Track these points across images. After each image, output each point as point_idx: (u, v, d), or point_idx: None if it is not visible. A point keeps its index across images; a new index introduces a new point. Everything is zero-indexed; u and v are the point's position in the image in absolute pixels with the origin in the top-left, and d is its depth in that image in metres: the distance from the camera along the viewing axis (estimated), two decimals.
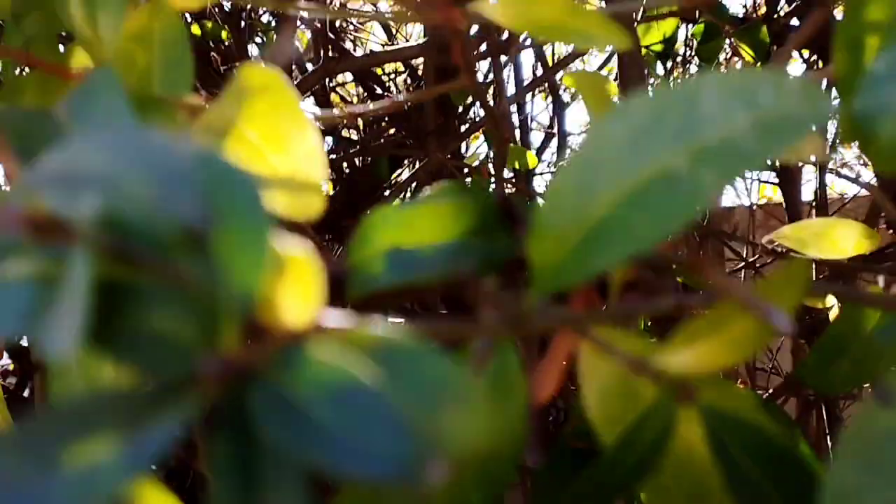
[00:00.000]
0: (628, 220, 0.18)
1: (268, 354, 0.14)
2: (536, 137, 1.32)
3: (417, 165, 0.74)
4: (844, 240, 0.46)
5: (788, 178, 1.05)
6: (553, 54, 1.06)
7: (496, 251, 0.23)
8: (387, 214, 0.22)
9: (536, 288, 0.19)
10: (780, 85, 0.17)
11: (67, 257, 0.14)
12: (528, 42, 0.78)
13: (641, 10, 0.63)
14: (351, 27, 1.15)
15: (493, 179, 0.63)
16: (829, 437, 0.99)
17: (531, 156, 0.68)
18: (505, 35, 0.71)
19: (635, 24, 0.56)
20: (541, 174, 0.97)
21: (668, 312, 0.23)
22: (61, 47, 0.33)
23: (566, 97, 1.12)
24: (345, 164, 0.95)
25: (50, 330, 0.13)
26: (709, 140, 0.17)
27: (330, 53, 0.86)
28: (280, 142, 0.22)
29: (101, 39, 0.26)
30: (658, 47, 0.70)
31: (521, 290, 0.22)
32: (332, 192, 0.88)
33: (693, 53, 0.98)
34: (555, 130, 1.20)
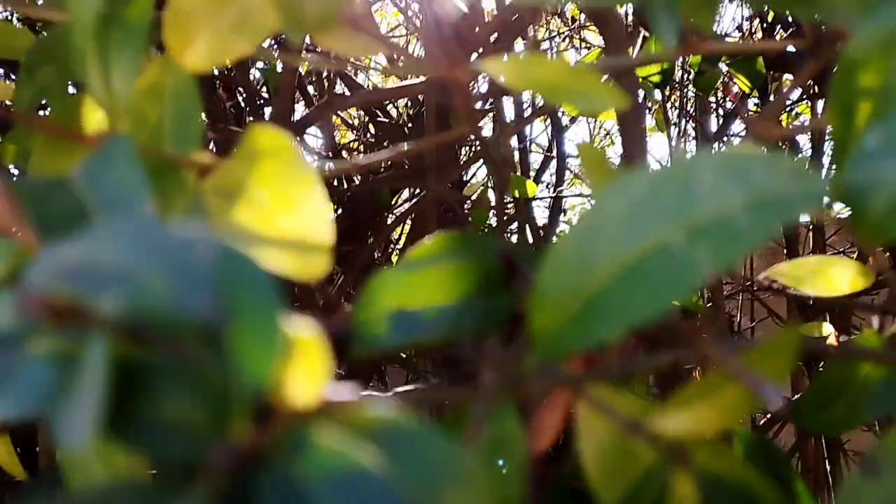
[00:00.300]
0: (625, 293, 0.18)
1: (275, 438, 0.14)
2: (535, 158, 1.33)
3: (418, 193, 0.75)
4: (839, 277, 0.47)
5: None
6: None
7: (498, 311, 0.23)
8: (391, 277, 0.22)
9: (535, 353, 0.20)
10: (773, 165, 0.18)
11: (85, 339, 0.14)
12: None
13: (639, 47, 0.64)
14: None
15: (492, 211, 0.64)
16: (827, 461, 1.00)
17: (531, 184, 0.69)
18: None
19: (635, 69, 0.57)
20: (540, 199, 0.98)
21: (667, 368, 0.24)
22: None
23: (564, 120, 1.13)
24: (345, 186, 0.95)
25: (66, 419, 0.13)
26: (704, 217, 0.18)
27: (331, 78, 0.87)
28: (289, 204, 0.22)
29: (114, 94, 0.26)
30: (656, 78, 0.71)
31: (522, 346, 0.23)
32: (333, 217, 0.89)
33: (690, 80, 1.00)
34: (553, 153, 1.21)
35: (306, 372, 0.16)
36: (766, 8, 0.28)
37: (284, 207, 0.22)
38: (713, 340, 0.21)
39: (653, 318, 0.18)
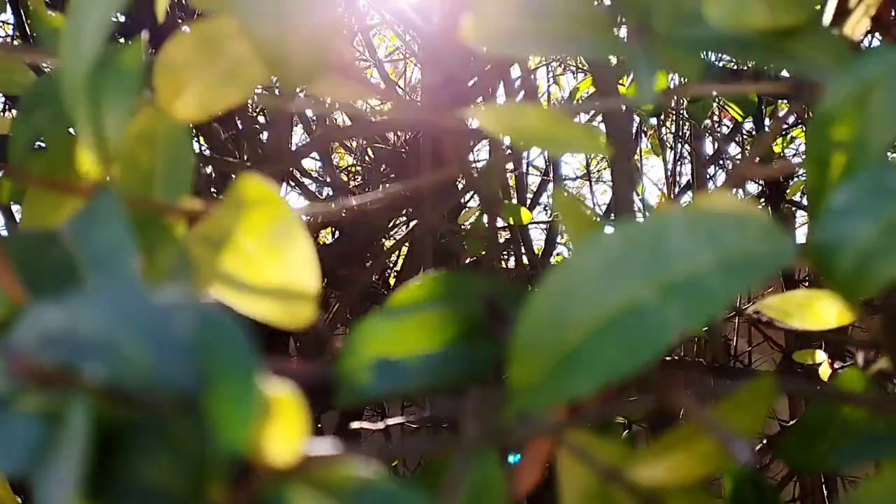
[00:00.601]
0: (600, 350, 0.19)
1: (252, 499, 0.15)
2: (533, 180, 1.34)
3: (415, 218, 0.76)
4: (827, 311, 0.47)
5: (782, 224, 1.06)
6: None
7: (481, 358, 0.24)
8: (374, 326, 0.23)
9: (514, 405, 0.20)
10: (743, 225, 0.19)
11: (70, 400, 0.15)
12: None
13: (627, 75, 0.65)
14: None
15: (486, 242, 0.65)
16: (824, 487, 1.00)
17: (525, 212, 0.70)
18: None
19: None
20: (537, 223, 0.99)
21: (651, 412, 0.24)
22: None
23: None
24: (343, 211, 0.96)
25: (48, 481, 0.14)
26: (675, 276, 0.18)
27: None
28: (275, 253, 0.23)
29: (106, 140, 0.27)
30: (649, 107, 0.72)
31: (503, 393, 0.23)
32: (329, 242, 0.90)
33: (684, 105, 1.01)
34: (550, 176, 1.22)
35: (284, 431, 0.16)
36: (743, 60, 0.29)
37: (271, 257, 0.23)
38: (690, 388, 0.21)
39: (628, 375, 0.18)
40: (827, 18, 0.32)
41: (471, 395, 0.23)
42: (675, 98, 1.04)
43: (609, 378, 0.18)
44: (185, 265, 0.22)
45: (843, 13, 0.33)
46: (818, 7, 0.27)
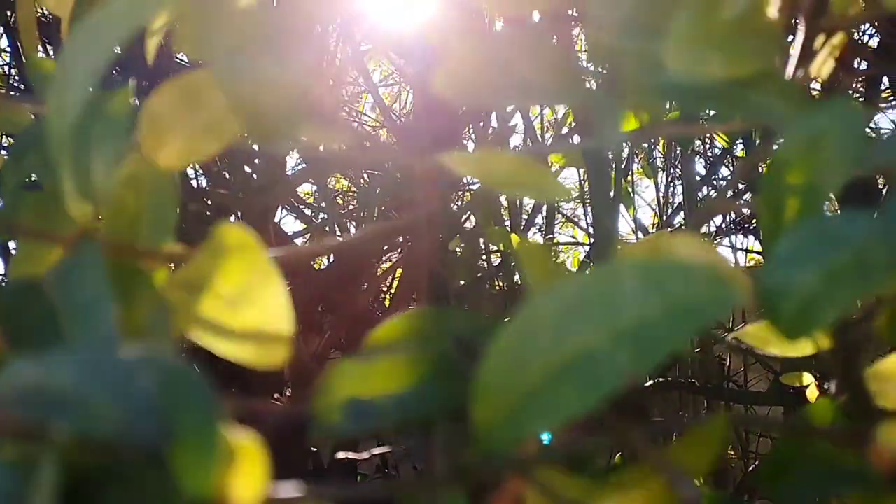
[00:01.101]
0: (555, 393, 0.20)
1: None
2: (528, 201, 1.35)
3: (407, 244, 0.78)
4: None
5: None
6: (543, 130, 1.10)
7: (449, 397, 0.25)
8: (347, 367, 0.24)
9: (478, 444, 0.21)
10: (689, 274, 0.20)
11: (42, 451, 0.16)
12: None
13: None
14: (345, 97, 1.19)
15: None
16: None
17: (515, 237, 0.71)
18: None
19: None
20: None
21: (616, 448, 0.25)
22: None
23: (554, 168, 1.15)
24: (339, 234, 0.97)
25: None
26: (625, 324, 0.19)
27: None
28: (251, 298, 0.24)
29: (93, 185, 0.28)
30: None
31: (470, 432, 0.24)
32: (324, 266, 0.91)
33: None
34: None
35: (247, 477, 0.17)
36: (703, 110, 0.30)
37: (246, 302, 0.24)
38: (644, 429, 0.22)
39: (582, 415, 0.19)
40: (793, 61, 0.34)
41: (439, 433, 0.24)
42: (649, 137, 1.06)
43: (565, 418, 0.19)
44: (162, 313, 0.23)
45: (808, 55, 0.34)
46: (776, 56, 0.28)
